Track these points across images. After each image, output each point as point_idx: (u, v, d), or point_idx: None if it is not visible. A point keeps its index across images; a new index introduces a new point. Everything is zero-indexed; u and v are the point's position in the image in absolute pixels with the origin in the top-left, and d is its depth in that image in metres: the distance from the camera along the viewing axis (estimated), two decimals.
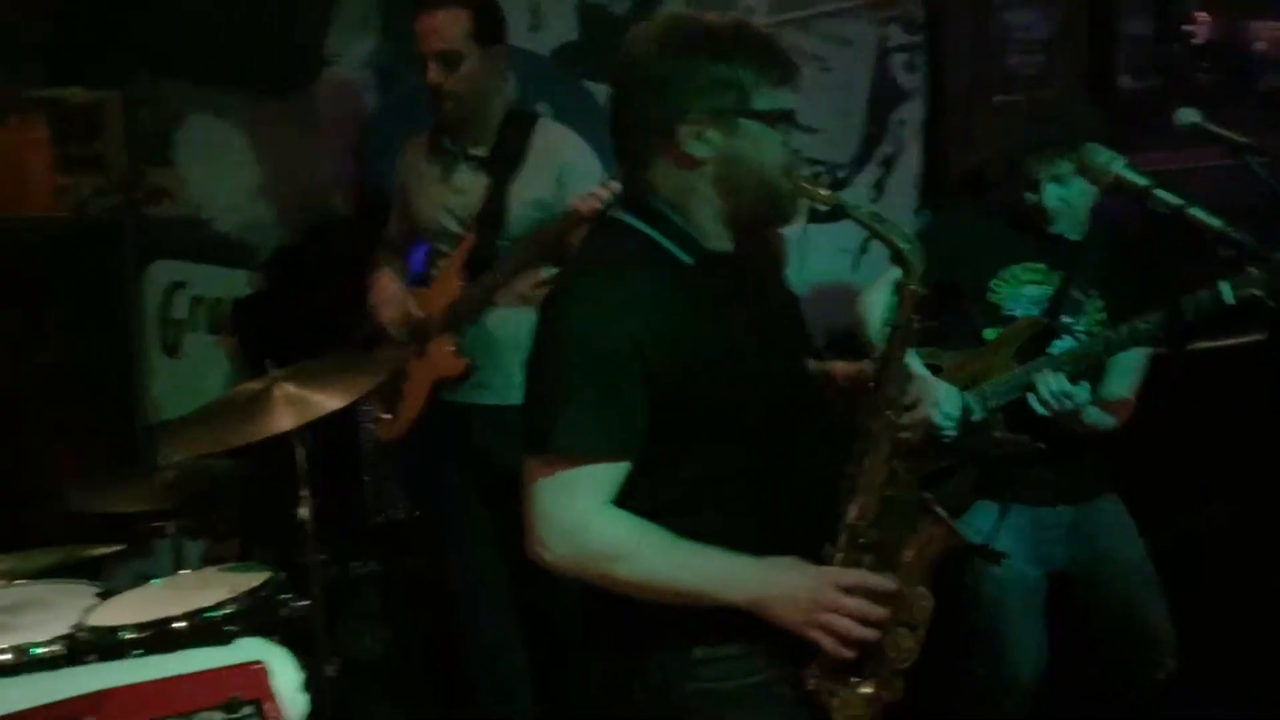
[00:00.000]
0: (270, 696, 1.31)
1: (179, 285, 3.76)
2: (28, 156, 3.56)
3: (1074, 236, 2.78)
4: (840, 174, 4.17)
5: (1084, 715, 2.93)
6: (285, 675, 1.48)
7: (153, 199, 3.69)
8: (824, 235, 3.99)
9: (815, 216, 4.11)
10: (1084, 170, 2.52)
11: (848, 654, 1.76)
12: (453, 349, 3.06)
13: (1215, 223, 2.30)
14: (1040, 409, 2.61)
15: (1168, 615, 2.77)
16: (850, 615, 1.74)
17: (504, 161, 3.04)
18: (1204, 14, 4.47)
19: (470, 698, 3.24)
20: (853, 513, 1.83)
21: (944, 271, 2.31)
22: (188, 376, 3.73)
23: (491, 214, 3.03)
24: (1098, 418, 2.71)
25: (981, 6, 4.25)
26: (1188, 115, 2.81)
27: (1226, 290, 2.43)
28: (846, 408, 1.99)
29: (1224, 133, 2.78)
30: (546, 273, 2.97)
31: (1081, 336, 2.69)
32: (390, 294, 3.17)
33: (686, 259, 1.81)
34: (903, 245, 1.84)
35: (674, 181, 1.81)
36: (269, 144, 3.77)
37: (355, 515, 3.68)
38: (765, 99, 1.78)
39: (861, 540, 1.82)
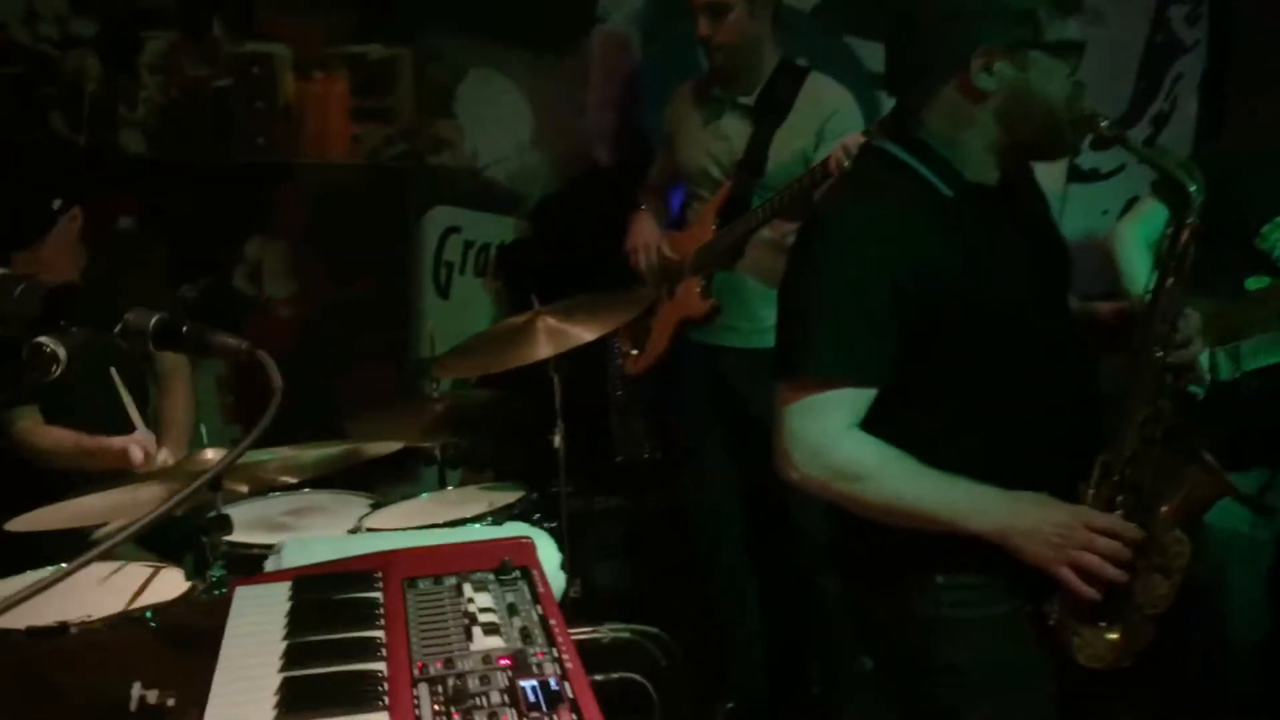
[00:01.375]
0: (537, 565, 1.47)
1: (453, 230, 4.02)
2: (329, 107, 3.90)
3: None
4: (1088, 139, 4.05)
5: None
6: (548, 552, 1.63)
7: (434, 148, 3.97)
8: (1086, 195, 3.89)
9: (1078, 175, 4.08)
10: None
11: (1093, 594, 1.77)
12: (699, 290, 3.17)
13: None
14: None
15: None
16: (1101, 555, 1.75)
17: (770, 111, 3.11)
18: None
19: (707, 624, 3.38)
20: (1111, 450, 1.84)
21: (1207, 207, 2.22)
22: (455, 316, 4.00)
23: (752, 162, 3.11)
24: None
25: None
26: None
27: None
28: (1110, 347, 1.98)
29: None
30: (795, 225, 3.04)
31: None
32: (646, 235, 3.31)
33: (947, 191, 1.82)
34: (1183, 176, 1.81)
35: (952, 114, 1.82)
36: (541, 97, 3.98)
37: (600, 453, 3.87)
38: (1057, 29, 1.76)
39: (1116, 478, 1.82)
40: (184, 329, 1.15)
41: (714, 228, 3.17)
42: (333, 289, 3.91)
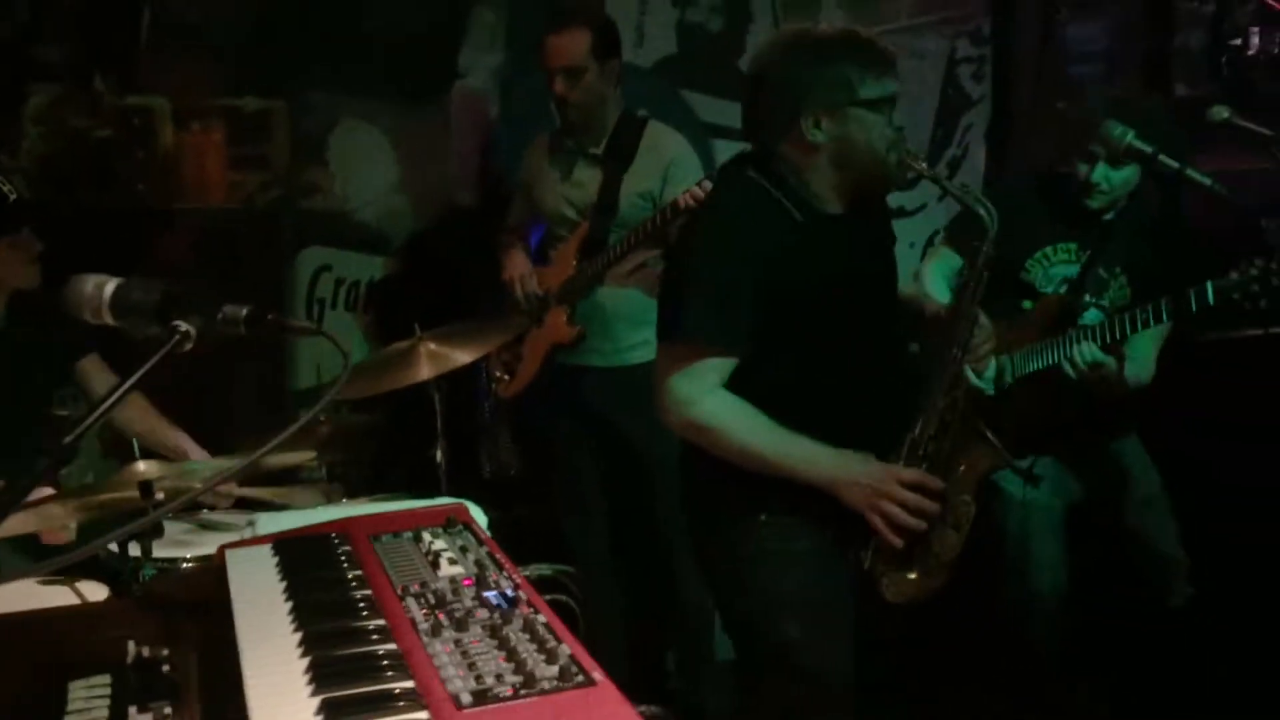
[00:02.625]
0: (474, 522, 1.81)
1: (325, 268, 4.31)
2: (207, 156, 4.17)
3: (1107, 217, 3.09)
4: (909, 175, 4.59)
5: (1107, 643, 3.31)
6: (478, 515, 1.97)
7: (307, 193, 4.27)
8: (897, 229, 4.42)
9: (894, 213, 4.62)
10: (1104, 142, 2.81)
11: (897, 541, 2.21)
12: (566, 318, 3.56)
13: (1207, 181, 2.67)
14: (1071, 373, 2.91)
15: (1180, 545, 3.13)
16: (905, 506, 2.19)
17: (617, 158, 3.52)
18: (1255, 27, 4.80)
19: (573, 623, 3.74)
20: (916, 428, 2.29)
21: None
22: (328, 349, 4.28)
23: (605, 204, 3.51)
24: (1138, 370, 3.00)
25: (1045, 20, 4.64)
26: (1219, 111, 3.18)
27: (1209, 290, 2.74)
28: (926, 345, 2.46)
29: (1251, 126, 3.16)
30: (649, 256, 3.46)
31: (1105, 310, 3.05)
32: (520, 268, 3.68)
33: (799, 216, 2.25)
34: (979, 208, 2.30)
35: (796, 159, 2.26)
36: (407, 145, 4.32)
37: (470, 469, 4.18)
38: (870, 89, 2.22)
39: (920, 451, 2.28)
40: (269, 316, 1.49)
41: (575, 263, 3.56)
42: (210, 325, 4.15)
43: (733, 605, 2.44)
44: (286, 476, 3.63)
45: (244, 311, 1.47)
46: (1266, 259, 2.66)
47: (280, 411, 4.13)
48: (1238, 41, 4.78)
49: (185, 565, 2.61)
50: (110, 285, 1.46)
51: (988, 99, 4.71)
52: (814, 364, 2.25)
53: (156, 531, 2.52)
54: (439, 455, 3.37)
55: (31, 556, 2.94)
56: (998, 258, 3.01)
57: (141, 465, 2.54)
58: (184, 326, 1.40)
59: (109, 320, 1.48)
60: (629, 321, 3.53)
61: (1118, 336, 2.87)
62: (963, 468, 2.33)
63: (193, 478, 2.71)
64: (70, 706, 1.71)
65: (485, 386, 4.01)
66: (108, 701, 1.72)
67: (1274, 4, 4.90)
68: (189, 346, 1.41)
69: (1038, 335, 3.02)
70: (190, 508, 3.06)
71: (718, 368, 2.22)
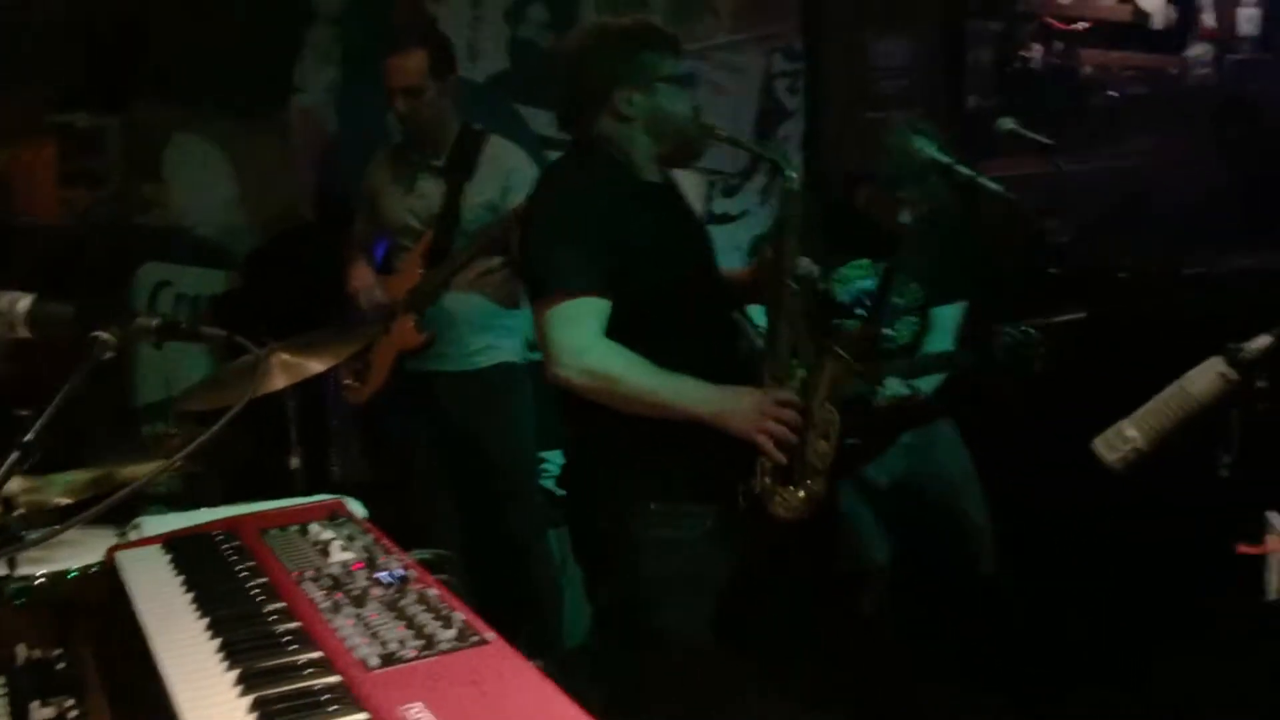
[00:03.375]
0: (354, 515, 1.94)
1: (165, 284, 4.32)
2: (38, 173, 4.14)
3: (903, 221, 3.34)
4: (733, 182, 4.87)
5: (926, 607, 3.61)
6: (357, 509, 2.08)
7: (144, 209, 4.28)
8: (720, 234, 4.68)
9: (714, 219, 4.88)
10: (904, 152, 3.08)
11: (782, 457, 2.44)
12: (414, 325, 3.68)
13: (996, 187, 2.98)
14: (882, 402, 3.20)
15: (988, 519, 3.46)
16: (783, 422, 2.41)
17: (458, 170, 3.66)
18: (1036, 44, 5.24)
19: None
20: (772, 358, 2.53)
21: None
22: (172, 363, 4.29)
23: (448, 214, 3.65)
24: (940, 340, 3.34)
25: (851, 38, 4.98)
26: (1005, 123, 3.52)
27: (991, 350, 3.08)
28: (750, 299, 2.73)
29: (1033, 135, 3.51)
30: (492, 262, 3.61)
31: (901, 309, 3.33)
32: (365, 279, 3.79)
33: (628, 184, 2.49)
34: (778, 158, 2.63)
35: (614, 133, 2.51)
36: (244, 160, 4.36)
37: (325, 476, 4.26)
38: (671, 67, 2.54)
39: (780, 375, 2.51)
40: (179, 324, 1.59)
41: (420, 271, 3.69)
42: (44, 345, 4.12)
43: (614, 590, 2.59)
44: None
45: (155, 321, 1.57)
46: (1027, 327, 3.03)
47: (126, 427, 4.13)
48: (1024, 57, 5.20)
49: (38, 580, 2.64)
50: (24, 300, 1.55)
51: (802, 111, 5.01)
52: (664, 317, 2.44)
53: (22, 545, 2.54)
54: (295, 462, 3.44)
55: None
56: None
57: None
58: (104, 336, 1.50)
59: (23, 333, 1.57)
60: (475, 326, 3.68)
61: (918, 382, 3.20)
62: (821, 382, 2.57)
63: (52, 491, 2.74)
64: None
65: (334, 395, 4.10)
66: (5, 701, 1.80)
67: (1055, 23, 5.36)
68: (110, 355, 1.51)
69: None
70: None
71: (595, 311, 2.38)
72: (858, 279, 3.34)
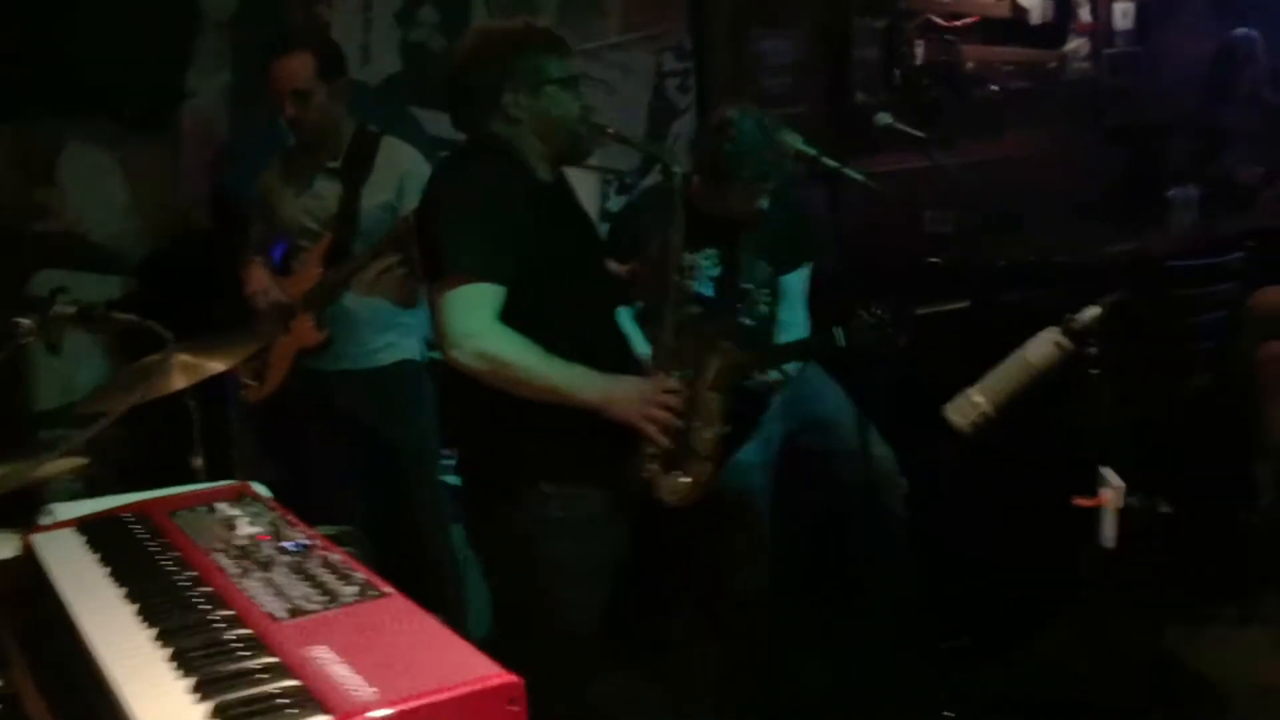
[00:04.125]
0: (261, 495, 2.01)
1: (60, 290, 4.27)
2: None
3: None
4: (627, 179, 4.98)
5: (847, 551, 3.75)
6: (264, 491, 2.14)
7: (38, 215, 4.27)
8: None
9: (607, 216, 5.00)
10: (776, 149, 3.24)
11: (666, 441, 2.55)
12: (312, 324, 3.73)
13: (859, 177, 3.14)
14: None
15: (885, 442, 3.58)
16: (668, 408, 2.52)
17: (354, 171, 3.71)
18: (920, 41, 5.45)
19: None
20: (657, 348, 2.65)
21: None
22: (70, 368, 4.29)
23: (345, 215, 3.70)
24: (790, 330, 3.52)
25: (739, 37, 5.13)
26: (882, 118, 3.69)
27: (839, 334, 3.18)
28: (633, 294, 2.88)
29: (908, 130, 3.68)
30: (389, 261, 3.67)
31: (758, 308, 3.49)
32: (260, 282, 3.82)
33: (519, 182, 2.58)
34: (661, 154, 2.96)
35: (505, 135, 2.60)
36: (137, 167, 4.37)
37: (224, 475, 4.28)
38: (557, 69, 2.61)
39: (664, 365, 2.63)
40: (96, 310, 1.65)
41: (319, 272, 3.73)
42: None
43: (509, 573, 2.68)
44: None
45: (73, 309, 1.63)
46: (880, 310, 3.15)
47: (22, 432, 4.12)
48: (907, 53, 5.41)
49: None
50: None
51: (693, 108, 5.15)
52: (553, 310, 2.54)
53: None
54: (198, 462, 3.47)
55: None
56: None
57: None
58: (25, 321, 1.56)
59: None
60: (374, 325, 3.74)
61: (779, 368, 3.41)
62: (708, 372, 2.70)
63: None
64: None
65: (233, 395, 4.13)
66: None
67: (937, 20, 5.58)
68: (30, 339, 1.57)
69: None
70: None
71: (490, 297, 2.46)
72: (709, 270, 3.47)
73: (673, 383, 2.60)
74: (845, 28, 5.23)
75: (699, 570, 3.45)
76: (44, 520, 2.03)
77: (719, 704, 3.49)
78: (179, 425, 3.53)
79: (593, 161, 4.45)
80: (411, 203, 3.52)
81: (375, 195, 3.72)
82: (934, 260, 4.69)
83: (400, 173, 3.72)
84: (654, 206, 3.43)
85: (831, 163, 3.15)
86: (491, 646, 2.84)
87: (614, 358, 2.65)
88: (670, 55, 5.09)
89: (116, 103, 4.27)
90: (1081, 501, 2.29)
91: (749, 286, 3.48)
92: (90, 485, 3.79)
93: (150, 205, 4.44)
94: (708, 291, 3.45)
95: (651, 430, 2.54)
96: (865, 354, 3.16)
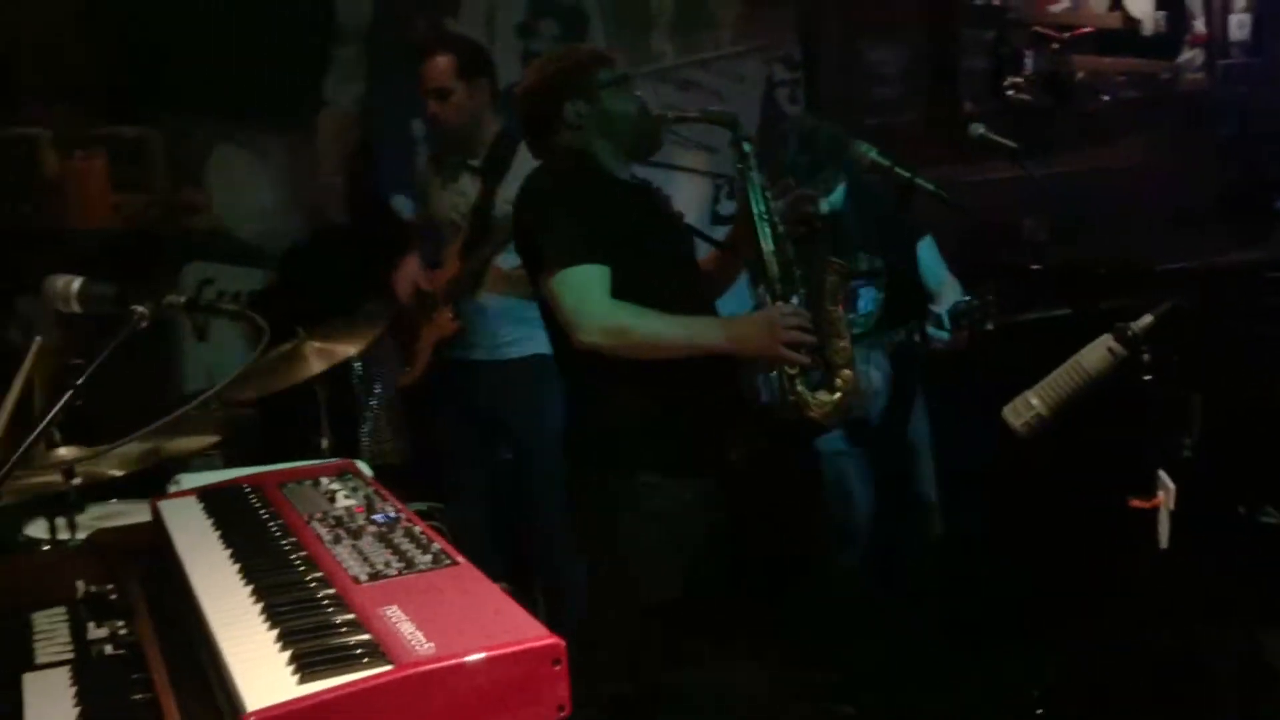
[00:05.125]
0: (362, 472, 2.27)
1: (207, 282, 4.68)
2: (90, 180, 4.52)
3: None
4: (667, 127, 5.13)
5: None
6: (366, 470, 2.39)
7: (187, 213, 4.65)
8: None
9: (719, 219, 5.18)
10: (855, 158, 3.41)
11: (805, 359, 2.72)
12: (450, 315, 3.99)
13: (930, 187, 3.30)
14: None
15: (934, 488, 3.76)
16: (797, 329, 2.69)
17: (493, 170, 3.92)
18: (1029, 51, 5.50)
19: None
20: (769, 277, 2.82)
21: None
22: (215, 355, 4.66)
23: (482, 211, 3.92)
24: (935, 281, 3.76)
25: (848, 48, 5.26)
26: (975, 128, 3.81)
27: (945, 319, 3.39)
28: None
29: (1000, 140, 3.79)
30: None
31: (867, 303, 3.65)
32: (407, 273, 4.10)
33: (601, 181, 2.82)
34: (726, 117, 2.97)
35: (575, 142, 2.84)
36: (279, 168, 4.73)
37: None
38: (605, 74, 2.86)
39: (781, 293, 2.81)
40: (202, 302, 1.91)
41: (458, 264, 3.99)
42: (99, 336, 4.49)
43: (605, 558, 2.86)
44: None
45: (182, 298, 1.89)
46: (986, 295, 3.34)
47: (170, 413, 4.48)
48: (1016, 63, 5.46)
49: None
50: (76, 282, 1.87)
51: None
52: (655, 283, 2.73)
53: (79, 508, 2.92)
54: (325, 444, 3.77)
55: None
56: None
57: (62, 450, 2.92)
58: (139, 310, 1.81)
59: (76, 309, 1.88)
60: (508, 318, 3.95)
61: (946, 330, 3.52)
62: (825, 288, 2.87)
63: (106, 463, 3.10)
64: (36, 630, 2.13)
65: (372, 380, 4.43)
66: (68, 624, 2.13)
67: (1048, 31, 5.62)
68: (145, 325, 1.82)
69: None
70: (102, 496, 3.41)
71: (599, 276, 2.66)
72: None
73: (791, 307, 2.76)
74: (953, 38, 5.31)
75: (792, 555, 3.62)
76: (171, 489, 2.31)
77: (810, 688, 3.67)
78: (310, 409, 3.85)
79: (702, 165, 4.67)
80: None
81: (510, 194, 3.92)
82: (1035, 267, 4.74)
83: None
84: None
85: (904, 173, 3.29)
86: (586, 627, 3.04)
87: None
88: (781, 66, 5.24)
89: (262, 109, 4.63)
90: (1138, 503, 2.39)
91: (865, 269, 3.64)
92: (228, 461, 4.14)
93: (291, 202, 4.79)
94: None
95: (789, 353, 2.69)
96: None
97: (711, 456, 2.80)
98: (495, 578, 1.74)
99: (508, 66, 4.86)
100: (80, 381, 1.63)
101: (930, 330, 3.48)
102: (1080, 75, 5.65)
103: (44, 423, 1.58)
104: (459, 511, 4.00)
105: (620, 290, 2.68)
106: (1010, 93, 5.45)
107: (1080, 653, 3.45)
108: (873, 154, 3.36)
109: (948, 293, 3.70)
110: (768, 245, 2.83)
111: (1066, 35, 5.59)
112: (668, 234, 2.93)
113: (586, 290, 2.65)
